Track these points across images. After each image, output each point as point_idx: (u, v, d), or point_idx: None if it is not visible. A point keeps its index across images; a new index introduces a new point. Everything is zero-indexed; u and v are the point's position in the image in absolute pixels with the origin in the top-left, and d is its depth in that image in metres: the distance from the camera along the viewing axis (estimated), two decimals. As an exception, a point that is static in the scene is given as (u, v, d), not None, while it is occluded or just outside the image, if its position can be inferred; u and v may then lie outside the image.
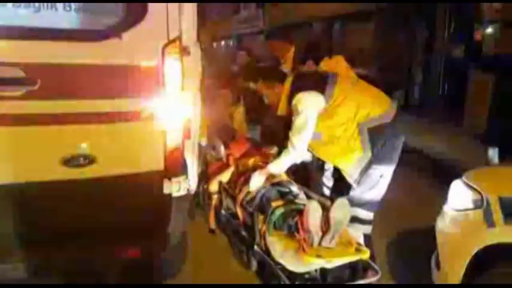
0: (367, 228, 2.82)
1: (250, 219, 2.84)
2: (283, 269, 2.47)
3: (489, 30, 7.87)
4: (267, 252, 2.64)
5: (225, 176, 3.42)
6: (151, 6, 2.14)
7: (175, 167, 2.28)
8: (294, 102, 2.73)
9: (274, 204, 2.71)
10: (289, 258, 2.44)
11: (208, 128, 4.33)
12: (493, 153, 2.86)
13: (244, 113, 4.53)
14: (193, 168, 2.71)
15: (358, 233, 2.73)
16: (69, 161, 2.05)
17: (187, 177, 2.37)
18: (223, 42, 23.96)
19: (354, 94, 2.78)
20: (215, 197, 3.45)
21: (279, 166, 2.90)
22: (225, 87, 4.82)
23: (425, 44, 10.87)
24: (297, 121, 2.72)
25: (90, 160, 2.08)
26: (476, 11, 8.24)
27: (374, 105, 2.75)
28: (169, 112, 2.26)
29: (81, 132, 2.09)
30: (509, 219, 2.00)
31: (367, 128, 2.70)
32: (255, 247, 2.76)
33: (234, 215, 3.14)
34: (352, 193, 2.79)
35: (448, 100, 9.93)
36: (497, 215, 2.04)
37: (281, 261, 2.48)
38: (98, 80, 2.09)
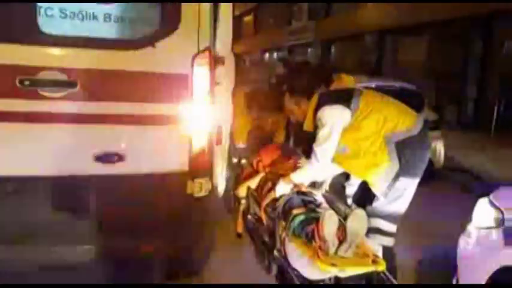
0: (389, 240, 2.80)
1: (273, 225, 2.91)
2: (299, 275, 2.52)
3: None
4: (286, 258, 2.70)
5: (254, 182, 3.52)
6: (184, 18, 2.31)
7: (198, 169, 2.42)
8: (318, 115, 2.77)
9: (295, 211, 2.77)
10: (305, 265, 2.48)
11: (250, 133, 4.47)
12: None
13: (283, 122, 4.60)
14: (221, 172, 2.84)
15: (377, 245, 2.71)
16: (101, 158, 2.24)
17: (210, 180, 2.50)
18: (275, 54, 24.23)
19: (380, 107, 2.78)
20: (243, 202, 3.56)
21: (302, 177, 2.95)
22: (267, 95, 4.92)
23: (481, 59, 10.46)
24: (321, 133, 2.76)
25: (119, 158, 2.26)
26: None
27: (400, 118, 2.74)
28: (196, 118, 2.40)
29: (113, 132, 2.28)
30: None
31: (395, 141, 2.69)
32: (275, 252, 2.83)
33: (260, 220, 3.22)
34: (375, 204, 2.78)
35: (504, 118, 9.47)
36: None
37: (297, 267, 2.53)
38: (131, 85, 2.28)
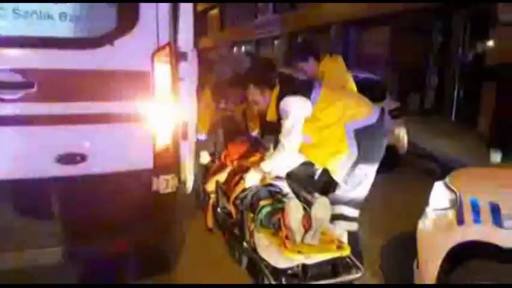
0: (352, 225, 2.91)
1: (241, 217, 2.96)
2: (268, 265, 2.58)
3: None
4: (255, 249, 2.75)
5: (222, 176, 3.56)
6: (142, 15, 2.30)
7: (163, 165, 2.43)
8: (281, 106, 2.85)
9: (262, 203, 2.83)
10: (272, 254, 2.55)
11: (215, 124, 4.48)
12: (494, 155, 2.92)
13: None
14: (189, 168, 2.86)
15: (342, 231, 2.81)
16: (62, 159, 2.22)
17: (176, 176, 2.51)
18: (243, 48, 24.21)
19: (339, 97, 2.89)
20: (212, 196, 3.59)
21: (271, 165, 3.02)
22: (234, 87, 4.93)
23: (441, 49, 10.80)
24: (286, 124, 2.84)
25: (81, 158, 2.25)
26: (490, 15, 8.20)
27: (359, 108, 2.85)
28: (159, 114, 2.41)
29: (74, 132, 2.25)
30: (477, 218, 2.06)
31: (353, 129, 2.80)
32: (245, 244, 2.88)
33: (229, 214, 3.27)
34: (337, 191, 2.89)
35: (463, 106, 9.85)
36: (468, 213, 2.10)
37: (265, 257, 2.59)
38: (91, 84, 2.25)
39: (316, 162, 3.07)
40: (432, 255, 2.26)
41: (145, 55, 2.32)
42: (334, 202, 2.79)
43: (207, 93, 4.23)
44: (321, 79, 3.26)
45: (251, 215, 2.88)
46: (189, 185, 2.97)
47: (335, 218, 2.83)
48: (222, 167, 3.74)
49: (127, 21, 2.28)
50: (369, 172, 2.84)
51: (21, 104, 2.14)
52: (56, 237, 2.31)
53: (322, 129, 2.85)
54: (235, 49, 24.48)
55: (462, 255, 2.17)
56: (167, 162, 2.46)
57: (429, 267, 2.26)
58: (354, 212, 2.90)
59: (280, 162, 3.04)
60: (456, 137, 7.43)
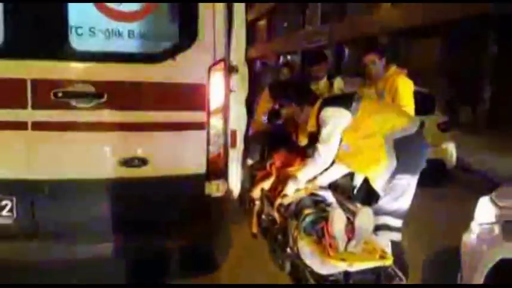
0: (396, 235, 2.96)
1: (285, 224, 3.08)
2: (312, 271, 2.68)
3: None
4: (298, 255, 2.86)
5: (267, 184, 3.70)
6: (201, 32, 2.51)
7: (215, 171, 2.62)
8: (321, 115, 2.98)
9: (306, 211, 2.94)
10: (316, 261, 2.64)
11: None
12: None
13: None
14: (236, 174, 3.03)
15: (386, 241, 2.86)
16: (127, 162, 2.45)
17: (226, 181, 2.69)
18: (289, 57, 24.39)
19: (378, 109, 3.01)
20: (257, 203, 3.73)
21: (305, 173, 3.13)
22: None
23: (496, 60, 10.44)
24: (324, 131, 2.97)
25: (143, 162, 2.47)
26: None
27: (398, 119, 2.94)
28: (213, 123, 2.60)
29: (137, 138, 2.49)
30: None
31: (392, 140, 2.87)
32: (288, 250, 3.00)
33: (274, 221, 3.39)
34: (380, 202, 2.95)
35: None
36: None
37: (309, 263, 2.69)
38: (154, 95, 2.50)
39: (356, 170, 3.15)
40: (477, 270, 2.27)
41: (203, 69, 2.53)
42: (377, 212, 2.85)
43: (265, 93, 4.46)
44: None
45: (295, 222, 2.99)
46: (236, 190, 3.14)
47: (378, 228, 2.88)
48: (267, 175, 3.88)
49: (187, 38, 2.50)
50: (411, 182, 2.89)
51: (92, 112, 2.40)
52: (112, 233, 2.53)
53: (362, 139, 2.95)
54: (281, 59, 24.74)
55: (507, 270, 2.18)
56: (218, 168, 2.65)
57: (474, 281, 2.27)
58: (397, 222, 2.95)
59: (314, 170, 3.13)
60: (506, 152, 7.16)
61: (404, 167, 2.86)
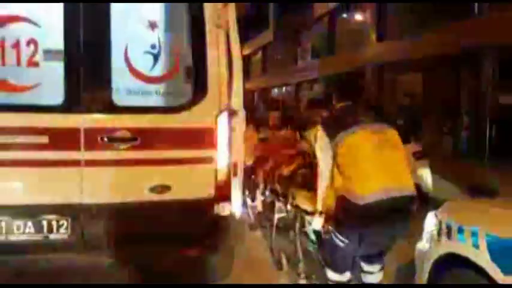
0: None
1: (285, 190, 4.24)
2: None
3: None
4: (297, 205, 4.06)
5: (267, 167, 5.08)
6: (210, 89, 3.31)
7: (221, 195, 3.36)
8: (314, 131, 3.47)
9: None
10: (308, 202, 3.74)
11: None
12: None
13: None
14: (237, 197, 3.76)
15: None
16: (154, 189, 3.20)
17: (230, 203, 3.43)
18: (284, 89, 25.48)
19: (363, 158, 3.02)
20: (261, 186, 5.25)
21: (320, 201, 3.28)
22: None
23: (473, 91, 11.33)
24: (316, 149, 3.30)
25: (167, 188, 3.22)
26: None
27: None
28: (219, 158, 3.36)
29: (162, 170, 3.26)
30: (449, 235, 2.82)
31: None
32: (288, 206, 4.20)
33: (275, 191, 4.70)
34: None
35: (497, 147, 10.20)
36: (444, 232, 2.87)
37: (304, 207, 3.87)
38: (175, 137, 3.28)
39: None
40: (423, 266, 3.01)
41: (212, 116, 3.31)
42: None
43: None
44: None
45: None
46: (238, 212, 3.87)
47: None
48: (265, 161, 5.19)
49: (199, 94, 3.29)
50: None
51: (129, 152, 3.17)
52: (143, 243, 3.22)
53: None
54: (276, 91, 25.84)
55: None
56: (224, 193, 3.39)
57: (423, 275, 3.00)
58: None
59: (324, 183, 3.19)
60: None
61: None
